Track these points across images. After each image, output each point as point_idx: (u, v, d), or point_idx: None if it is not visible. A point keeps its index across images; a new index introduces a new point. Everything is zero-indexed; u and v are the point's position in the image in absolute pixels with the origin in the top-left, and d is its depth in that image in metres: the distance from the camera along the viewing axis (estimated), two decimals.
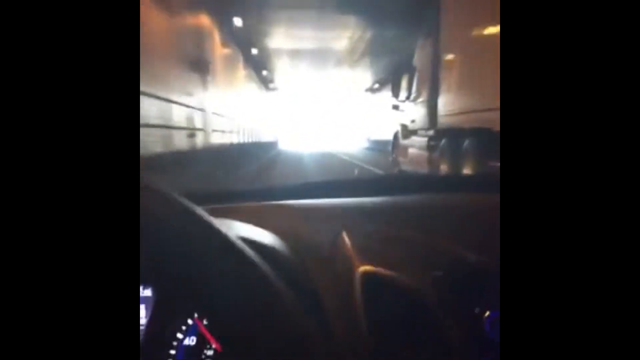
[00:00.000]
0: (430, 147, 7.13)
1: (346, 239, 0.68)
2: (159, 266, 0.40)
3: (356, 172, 10.27)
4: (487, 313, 0.58)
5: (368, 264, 0.62)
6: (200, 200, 0.63)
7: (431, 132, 7.12)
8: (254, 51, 16.15)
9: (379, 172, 10.38)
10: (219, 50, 11.86)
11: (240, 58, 15.38)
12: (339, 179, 1.12)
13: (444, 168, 6.46)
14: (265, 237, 0.65)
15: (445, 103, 6.62)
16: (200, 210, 0.40)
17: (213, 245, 0.40)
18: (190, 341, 0.60)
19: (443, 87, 6.75)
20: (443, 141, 6.62)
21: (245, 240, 0.50)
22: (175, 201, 0.40)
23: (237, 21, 12.54)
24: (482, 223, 0.70)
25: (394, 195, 0.93)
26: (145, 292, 0.61)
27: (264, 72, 21.45)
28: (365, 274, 0.60)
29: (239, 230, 0.64)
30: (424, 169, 7.26)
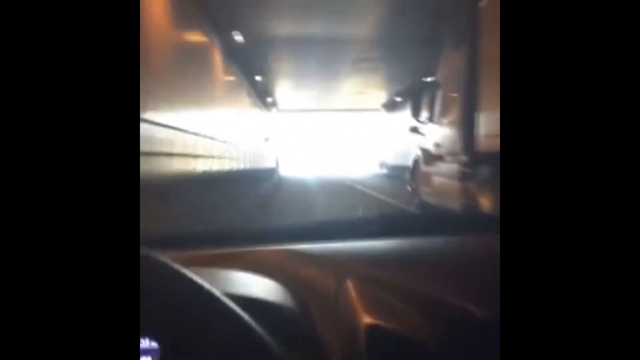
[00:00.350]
0: (464, 176, 6.00)
1: (351, 288, 0.68)
2: (159, 324, 0.43)
3: (360, 211, 9.37)
4: None
5: (372, 314, 0.62)
6: (198, 242, 0.71)
7: (465, 158, 5.99)
8: (238, 38, 11.36)
9: (395, 204, 9.71)
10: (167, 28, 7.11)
11: (216, 50, 10.68)
12: (344, 219, 1.13)
13: (484, 200, 5.44)
14: (266, 287, 0.66)
15: (490, 121, 5.36)
16: (194, 277, 0.44)
17: (206, 309, 0.43)
18: None
19: (485, 102, 5.51)
20: (484, 168, 5.46)
21: (244, 292, 0.56)
22: (169, 267, 0.43)
23: None
24: (491, 270, 0.69)
25: (404, 237, 0.93)
26: (152, 345, 0.58)
27: (257, 78, 16.63)
28: (369, 325, 0.61)
29: (237, 281, 0.64)
30: (454, 201, 6.23)
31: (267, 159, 22.37)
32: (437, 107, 7.15)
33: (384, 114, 25.57)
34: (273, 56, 14.21)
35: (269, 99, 22.29)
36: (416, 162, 8.05)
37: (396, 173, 15.00)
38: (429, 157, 7.42)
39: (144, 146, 5.71)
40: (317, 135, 37.50)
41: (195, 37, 8.50)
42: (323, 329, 0.63)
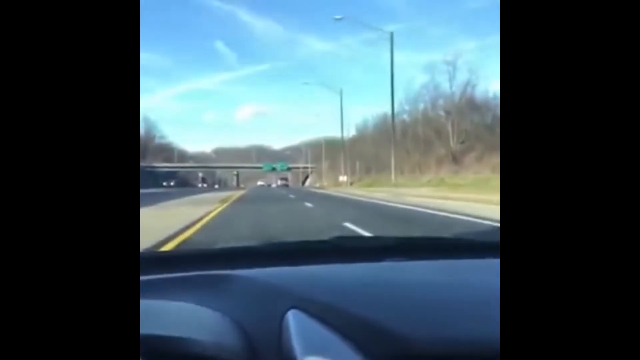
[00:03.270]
0: None
1: (293, 320, 0.67)
2: None
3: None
4: None
5: (313, 351, 0.61)
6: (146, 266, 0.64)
7: None
8: None
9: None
10: None
11: None
12: (296, 242, 1.14)
13: None
14: (209, 318, 0.66)
15: None
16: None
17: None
18: None
19: None
20: None
21: (185, 323, 0.57)
22: None
23: None
24: (443, 301, 0.72)
25: (356, 262, 0.93)
26: None
27: None
28: None
29: (177, 312, 0.63)
30: None
31: None
32: None
33: None
34: None
35: None
36: None
37: None
38: None
39: None
40: None
41: None
42: None
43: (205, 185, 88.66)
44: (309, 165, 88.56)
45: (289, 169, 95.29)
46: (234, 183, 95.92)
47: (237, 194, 28.43)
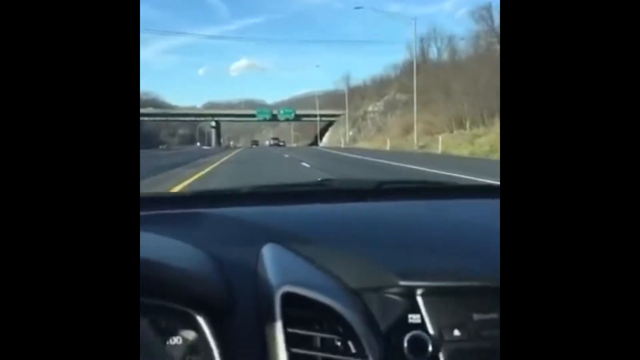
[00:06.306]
0: None
1: (269, 253, 0.68)
2: None
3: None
4: (409, 334, 0.60)
5: (289, 282, 0.61)
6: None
7: None
8: None
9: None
10: None
11: None
12: (281, 184, 1.17)
13: None
14: (183, 250, 0.65)
15: None
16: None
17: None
18: None
19: None
20: None
21: (157, 253, 0.57)
22: None
23: None
24: (420, 237, 0.73)
25: (334, 202, 0.92)
26: None
27: None
28: (285, 294, 0.59)
29: (150, 242, 0.63)
30: None
31: None
32: None
33: None
34: None
35: None
36: None
37: None
38: None
39: None
40: None
41: None
42: (241, 297, 0.62)
43: None
44: (340, 112, 54.39)
45: (297, 117, 62.24)
46: (212, 142, 62.70)
47: None
